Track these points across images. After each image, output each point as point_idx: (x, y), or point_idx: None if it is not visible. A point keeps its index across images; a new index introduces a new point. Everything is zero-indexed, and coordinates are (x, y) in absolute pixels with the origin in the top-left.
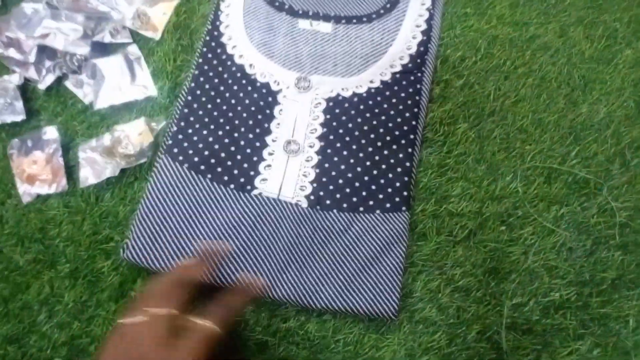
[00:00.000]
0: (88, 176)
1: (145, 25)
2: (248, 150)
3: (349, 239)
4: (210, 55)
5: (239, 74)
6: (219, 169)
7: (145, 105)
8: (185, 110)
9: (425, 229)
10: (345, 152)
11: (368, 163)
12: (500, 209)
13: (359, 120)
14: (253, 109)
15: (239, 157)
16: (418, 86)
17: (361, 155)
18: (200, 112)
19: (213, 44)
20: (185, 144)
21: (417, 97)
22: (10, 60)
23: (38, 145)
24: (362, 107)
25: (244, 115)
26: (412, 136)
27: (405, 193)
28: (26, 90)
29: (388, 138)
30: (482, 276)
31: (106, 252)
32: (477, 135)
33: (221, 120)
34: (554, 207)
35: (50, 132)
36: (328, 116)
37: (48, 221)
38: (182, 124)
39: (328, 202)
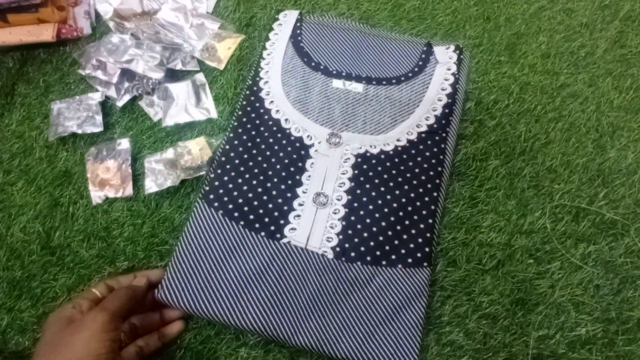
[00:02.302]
0: (152, 185)
1: (211, 57)
2: (279, 200)
3: (371, 292)
4: (249, 109)
5: (275, 128)
6: (251, 217)
7: (206, 125)
8: (223, 159)
9: (456, 256)
10: (370, 207)
11: (392, 218)
12: (529, 243)
13: (385, 176)
14: (286, 161)
15: (270, 205)
16: (442, 146)
17: (386, 210)
18: (237, 162)
19: (252, 97)
20: (221, 191)
21: (441, 157)
22: (96, 80)
23: (112, 154)
24: (388, 164)
25: (278, 167)
26: (435, 194)
27: (427, 249)
28: (105, 106)
29: (412, 195)
30: (509, 306)
31: (161, 253)
32: (508, 172)
33: (256, 171)
34: (582, 244)
35: (124, 144)
36: (356, 171)
37: (112, 222)
38: (219, 171)
39: (352, 254)
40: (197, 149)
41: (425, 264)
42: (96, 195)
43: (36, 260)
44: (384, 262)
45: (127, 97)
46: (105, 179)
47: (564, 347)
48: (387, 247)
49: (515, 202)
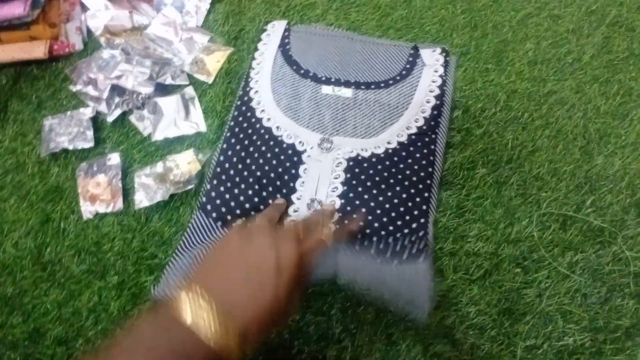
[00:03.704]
0: (142, 199)
1: (200, 70)
2: None
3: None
4: (241, 119)
5: (267, 136)
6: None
7: (195, 139)
8: (218, 170)
9: (443, 266)
10: (363, 210)
11: (385, 219)
12: (516, 251)
13: (377, 178)
14: (280, 170)
15: None
16: (432, 147)
17: (378, 212)
18: (232, 172)
19: (244, 108)
20: (218, 202)
21: (431, 157)
22: (87, 95)
23: (102, 169)
24: (380, 166)
25: (272, 175)
26: (426, 194)
27: (421, 246)
28: (96, 121)
29: (404, 195)
30: (497, 316)
31: (150, 267)
32: (495, 180)
33: (251, 180)
34: (569, 253)
35: (114, 159)
36: (348, 175)
37: (103, 236)
38: (215, 182)
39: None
40: (185, 163)
41: (420, 259)
42: (87, 210)
43: (27, 276)
44: (379, 261)
45: (117, 112)
46: (96, 194)
47: (551, 357)
48: (381, 246)
49: (503, 210)
